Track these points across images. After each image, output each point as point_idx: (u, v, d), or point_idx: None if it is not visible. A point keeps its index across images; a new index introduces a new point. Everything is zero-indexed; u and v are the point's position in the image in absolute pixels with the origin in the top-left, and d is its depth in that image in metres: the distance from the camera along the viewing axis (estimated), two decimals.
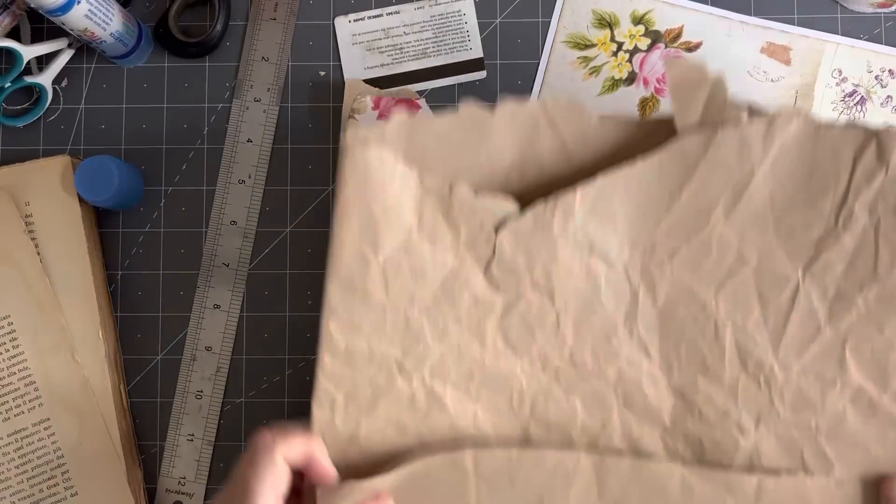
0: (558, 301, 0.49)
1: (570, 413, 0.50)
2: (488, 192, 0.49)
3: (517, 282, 0.49)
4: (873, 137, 0.47)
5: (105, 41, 0.58)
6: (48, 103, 0.62)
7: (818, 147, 0.48)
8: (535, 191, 0.50)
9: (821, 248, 0.49)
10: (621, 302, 0.49)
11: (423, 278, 0.49)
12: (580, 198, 0.48)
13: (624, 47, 0.62)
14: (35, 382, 0.59)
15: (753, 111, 0.47)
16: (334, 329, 0.49)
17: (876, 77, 0.61)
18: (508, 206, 0.49)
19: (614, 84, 0.62)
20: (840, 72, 0.61)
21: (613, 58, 0.62)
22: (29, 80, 0.61)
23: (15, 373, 0.59)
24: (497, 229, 0.49)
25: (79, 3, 0.54)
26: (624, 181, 0.48)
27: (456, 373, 0.50)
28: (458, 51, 0.62)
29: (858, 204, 0.48)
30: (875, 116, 0.60)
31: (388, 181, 0.48)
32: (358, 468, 0.50)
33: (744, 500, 0.50)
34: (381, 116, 0.60)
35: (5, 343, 0.59)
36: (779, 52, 0.61)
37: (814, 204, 0.48)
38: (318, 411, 0.49)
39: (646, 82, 0.62)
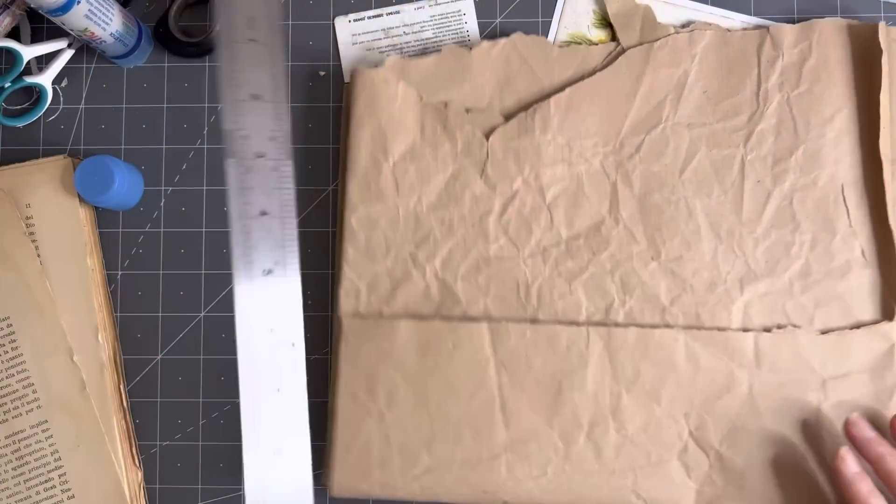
0: (549, 197, 0.59)
1: (575, 303, 0.57)
2: (477, 111, 0.60)
3: (510, 181, 0.59)
4: (766, 34, 0.60)
5: (105, 41, 0.58)
6: (48, 103, 0.62)
7: (729, 48, 0.60)
8: (515, 114, 0.60)
9: (752, 126, 0.59)
10: (604, 194, 0.59)
11: (428, 180, 0.59)
12: (554, 105, 0.59)
13: None
14: (33, 384, 0.58)
15: (677, 28, 0.60)
16: (355, 222, 0.59)
17: None
18: (495, 117, 0.60)
19: None
20: None
21: None
22: (29, 80, 0.61)
23: (13, 374, 0.58)
24: (488, 136, 0.59)
25: (79, 2, 0.54)
26: (588, 90, 0.60)
27: (464, 266, 0.58)
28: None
29: (770, 85, 0.59)
30: None
31: (393, 97, 0.59)
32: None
33: (745, 361, 0.57)
34: None
35: (4, 345, 0.58)
36: None
37: (738, 92, 0.59)
38: (345, 300, 0.58)
39: None
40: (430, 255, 0.58)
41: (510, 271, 0.58)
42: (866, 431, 0.54)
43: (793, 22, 0.61)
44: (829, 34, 0.59)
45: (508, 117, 0.59)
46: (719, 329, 0.57)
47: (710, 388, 0.56)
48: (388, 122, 0.59)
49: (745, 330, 0.57)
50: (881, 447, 0.52)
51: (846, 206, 0.58)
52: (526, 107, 0.60)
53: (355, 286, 0.58)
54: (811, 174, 0.58)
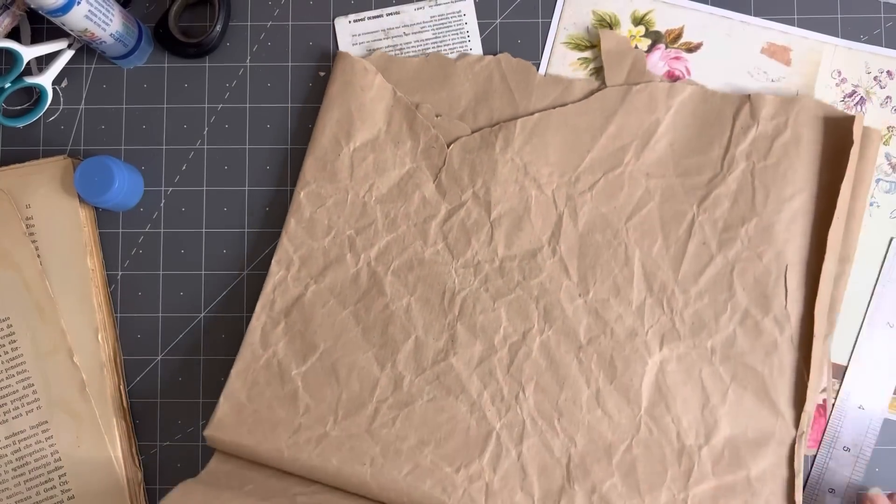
0: (494, 214, 0.59)
1: (495, 320, 0.58)
2: (447, 118, 0.60)
3: (461, 192, 0.60)
4: (747, 100, 0.60)
5: (105, 41, 0.58)
6: (48, 104, 0.62)
7: (707, 107, 0.60)
8: (481, 129, 0.61)
9: (711, 188, 0.59)
10: (548, 223, 0.60)
11: (383, 172, 0.60)
12: (519, 127, 0.60)
13: None
14: (34, 385, 0.58)
15: (664, 78, 0.61)
16: (304, 197, 0.60)
17: (875, 78, 0.61)
18: (462, 128, 0.60)
19: None
20: (839, 73, 0.61)
21: None
22: (29, 80, 0.61)
23: (13, 375, 0.58)
24: (449, 144, 0.60)
25: (79, 3, 0.54)
26: (556, 120, 0.60)
27: (398, 261, 0.59)
28: (458, 51, 0.62)
29: (738, 152, 0.59)
30: (875, 117, 0.61)
31: (368, 87, 0.60)
32: (295, 331, 0.58)
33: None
34: None
35: (4, 345, 0.58)
36: (779, 53, 0.61)
37: (704, 152, 0.59)
38: (276, 267, 0.59)
39: None
40: (368, 243, 0.59)
41: (440, 276, 0.59)
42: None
43: (793, 24, 0.61)
44: (808, 114, 0.59)
45: (475, 131, 0.60)
46: (633, 388, 0.57)
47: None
48: (357, 109, 0.60)
49: (659, 391, 0.57)
50: None
51: (786, 288, 0.58)
52: (495, 124, 0.60)
53: (289, 256, 0.59)
54: (758, 248, 0.58)
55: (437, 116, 0.60)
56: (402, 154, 0.60)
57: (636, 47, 0.61)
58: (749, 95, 0.60)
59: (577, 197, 0.59)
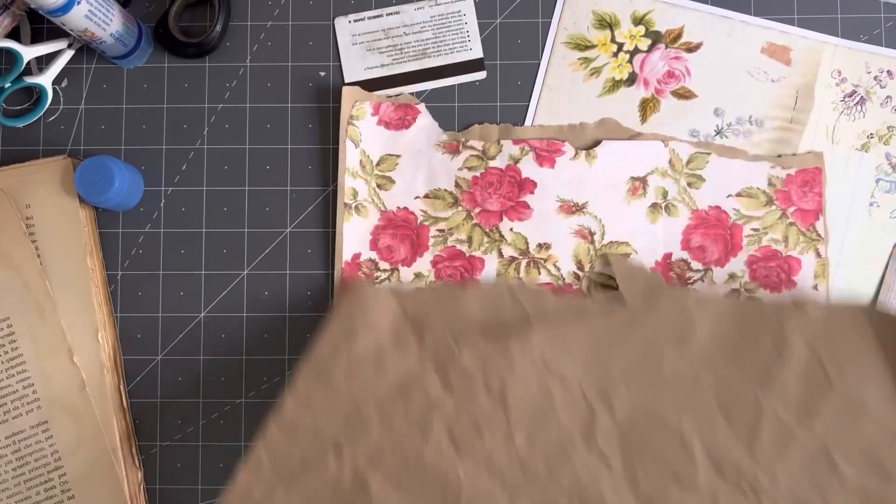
0: (512, 409, 0.53)
1: None
2: (457, 330, 0.55)
3: (471, 386, 0.53)
4: (789, 300, 0.55)
5: (105, 41, 0.58)
6: (48, 103, 0.61)
7: (744, 305, 0.55)
8: (498, 332, 0.55)
9: (772, 371, 0.53)
10: (577, 417, 0.53)
11: (383, 375, 0.54)
12: (536, 330, 0.54)
13: (624, 48, 0.62)
14: (34, 385, 0.58)
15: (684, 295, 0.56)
16: (290, 402, 0.54)
17: (875, 78, 0.61)
18: (473, 335, 0.55)
19: (615, 85, 0.62)
20: (839, 72, 0.61)
21: (614, 59, 0.62)
22: (29, 80, 0.61)
23: (13, 375, 0.58)
24: (459, 347, 0.54)
25: (79, 3, 0.54)
26: (577, 327, 0.55)
27: (391, 462, 0.52)
28: (458, 51, 0.62)
29: (793, 335, 0.54)
30: (875, 116, 0.61)
31: (374, 304, 0.56)
32: None
33: None
34: (381, 123, 0.61)
35: (4, 345, 0.58)
36: (779, 53, 0.61)
37: (755, 340, 0.54)
38: (244, 474, 0.52)
39: (646, 83, 0.62)
40: (357, 448, 0.52)
41: (442, 476, 0.52)
42: None
43: (793, 23, 0.61)
44: (856, 310, 0.55)
45: (487, 339, 0.55)
46: None
47: None
48: (361, 318, 0.56)
49: None
50: None
51: None
52: (509, 335, 0.55)
53: (261, 462, 0.52)
54: (852, 420, 0.52)
55: (446, 328, 0.55)
56: (406, 358, 0.55)
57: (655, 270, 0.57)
58: (792, 300, 0.55)
59: (610, 390, 0.53)
